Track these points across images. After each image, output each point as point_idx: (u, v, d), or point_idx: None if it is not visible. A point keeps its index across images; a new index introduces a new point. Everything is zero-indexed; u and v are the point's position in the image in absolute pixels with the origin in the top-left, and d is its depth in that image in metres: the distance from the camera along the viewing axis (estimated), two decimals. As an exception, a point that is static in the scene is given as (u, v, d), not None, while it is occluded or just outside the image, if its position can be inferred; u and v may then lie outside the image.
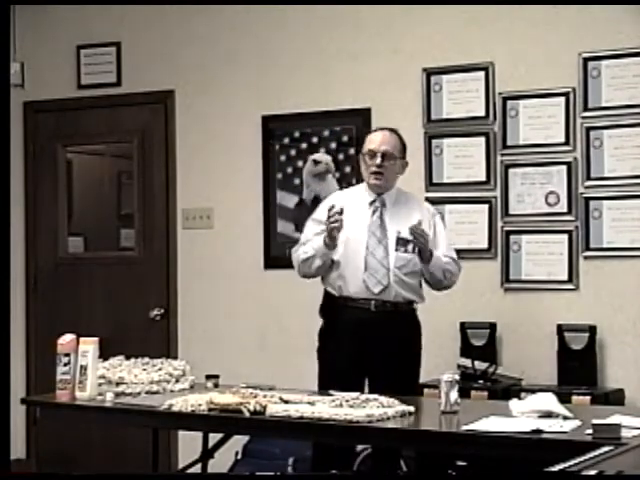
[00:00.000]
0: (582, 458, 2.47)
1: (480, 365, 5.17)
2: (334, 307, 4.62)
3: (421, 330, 4.70)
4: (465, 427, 3.47)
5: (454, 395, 3.73)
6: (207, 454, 4.56)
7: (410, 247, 4.53)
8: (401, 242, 4.53)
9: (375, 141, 4.63)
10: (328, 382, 4.42)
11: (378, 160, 4.57)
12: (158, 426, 4.57)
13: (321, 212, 4.70)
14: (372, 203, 4.63)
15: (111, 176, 6.91)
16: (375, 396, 3.81)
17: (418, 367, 4.68)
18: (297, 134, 5.93)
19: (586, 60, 5.23)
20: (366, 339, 4.51)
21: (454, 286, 4.74)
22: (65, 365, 4.15)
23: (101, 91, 6.46)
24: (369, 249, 4.54)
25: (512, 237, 5.40)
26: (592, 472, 2.28)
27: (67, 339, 4.20)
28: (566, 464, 2.38)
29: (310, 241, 4.61)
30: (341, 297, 4.58)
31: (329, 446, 4.37)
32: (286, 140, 5.96)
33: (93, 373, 4.15)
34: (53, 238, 6.64)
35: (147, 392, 4.24)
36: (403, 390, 4.13)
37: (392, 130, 4.69)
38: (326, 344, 4.64)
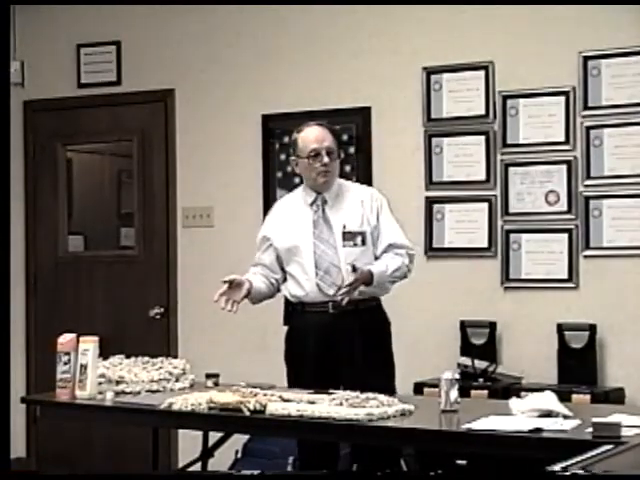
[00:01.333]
0: (582, 457, 2.47)
1: (480, 364, 5.17)
2: (294, 313, 4.50)
3: (390, 326, 4.49)
4: (465, 426, 3.46)
5: (454, 394, 3.72)
6: (207, 453, 4.54)
7: (359, 239, 4.37)
8: (348, 236, 4.36)
9: (314, 139, 4.40)
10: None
11: (325, 159, 4.37)
12: (158, 425, 4.56)
13: (266, 227, 4.59)
14: (313, 203, 4.46)
15: (111, 175, 6.91)
16: (375, 395, 3.80)
17: (391, 366, 4.46)
18: (297, 133, 5.93)
19: (586, 59, 5.23)
20: (330, 343, 4.34)
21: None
22: (65, 364, 4.15)
23: (101, 90, 6.45)
24: (317, 252, 4.38)
25: (512, 236, 5.39)
26: (591, 471, 2.29)
27: (67, 338, 4.19)
28: (566, 463, 2.38)
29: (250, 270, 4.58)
30: (299, 303, 4.44)
31: (314, 446, 4.31)
32: (286, 139, 5.94)
33: (93, 372, 4.14)
34: (53, 237, 6.64)
35: (147, 391, 4.23)
36: (378, 391, 3.85)
37: (321, 124, 4.50)
38: (291, 351, 4.52)
